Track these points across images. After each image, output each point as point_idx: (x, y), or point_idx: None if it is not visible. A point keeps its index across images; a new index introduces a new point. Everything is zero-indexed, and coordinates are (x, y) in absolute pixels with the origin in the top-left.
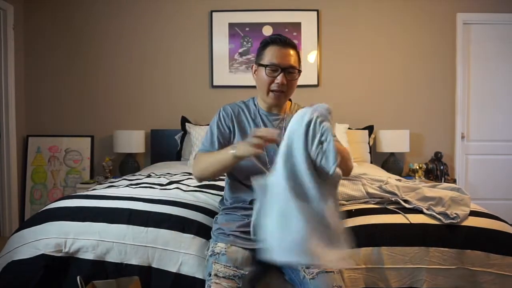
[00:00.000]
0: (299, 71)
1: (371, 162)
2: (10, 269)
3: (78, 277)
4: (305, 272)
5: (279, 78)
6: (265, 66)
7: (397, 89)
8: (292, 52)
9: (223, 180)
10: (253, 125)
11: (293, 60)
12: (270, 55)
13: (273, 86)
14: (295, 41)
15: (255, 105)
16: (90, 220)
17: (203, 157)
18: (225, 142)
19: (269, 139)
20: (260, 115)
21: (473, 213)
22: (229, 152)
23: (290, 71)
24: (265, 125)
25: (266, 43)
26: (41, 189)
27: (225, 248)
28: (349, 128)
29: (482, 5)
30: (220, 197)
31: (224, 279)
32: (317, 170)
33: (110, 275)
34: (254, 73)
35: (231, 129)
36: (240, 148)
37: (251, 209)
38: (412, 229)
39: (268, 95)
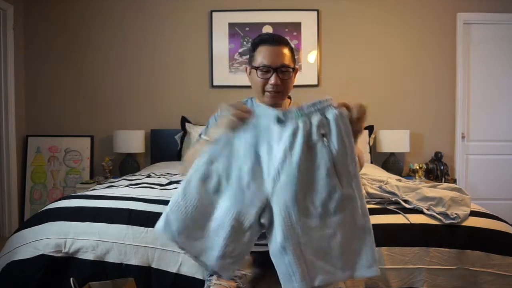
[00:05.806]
0: (294, 69)
1: (371, 162)
2: (10, 269)
3: (71, 279)
4: None
5: (272, 79)
6: (256, 68)
7: (397, 89)
8: (284, 50)
9: None
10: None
11: (285, 59)
12: (261, 56)
13: (267, 87)
14: (295, 41)
15: (252, 106)
16: (90, 220)
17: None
18: None
19: (243, 115)
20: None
21: (474, 213)
22: (201, 141)
23: (283, 70)
24: None
25: (256, 44)
26: (41, 189)
27: None
28: None
29: (482, 5)
30: None
31: (224, 280)
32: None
33: (110, 275)
34: (249, 74)
35: None
36: (212, 132)
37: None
38: (412, 229)
39: (264, 95)
